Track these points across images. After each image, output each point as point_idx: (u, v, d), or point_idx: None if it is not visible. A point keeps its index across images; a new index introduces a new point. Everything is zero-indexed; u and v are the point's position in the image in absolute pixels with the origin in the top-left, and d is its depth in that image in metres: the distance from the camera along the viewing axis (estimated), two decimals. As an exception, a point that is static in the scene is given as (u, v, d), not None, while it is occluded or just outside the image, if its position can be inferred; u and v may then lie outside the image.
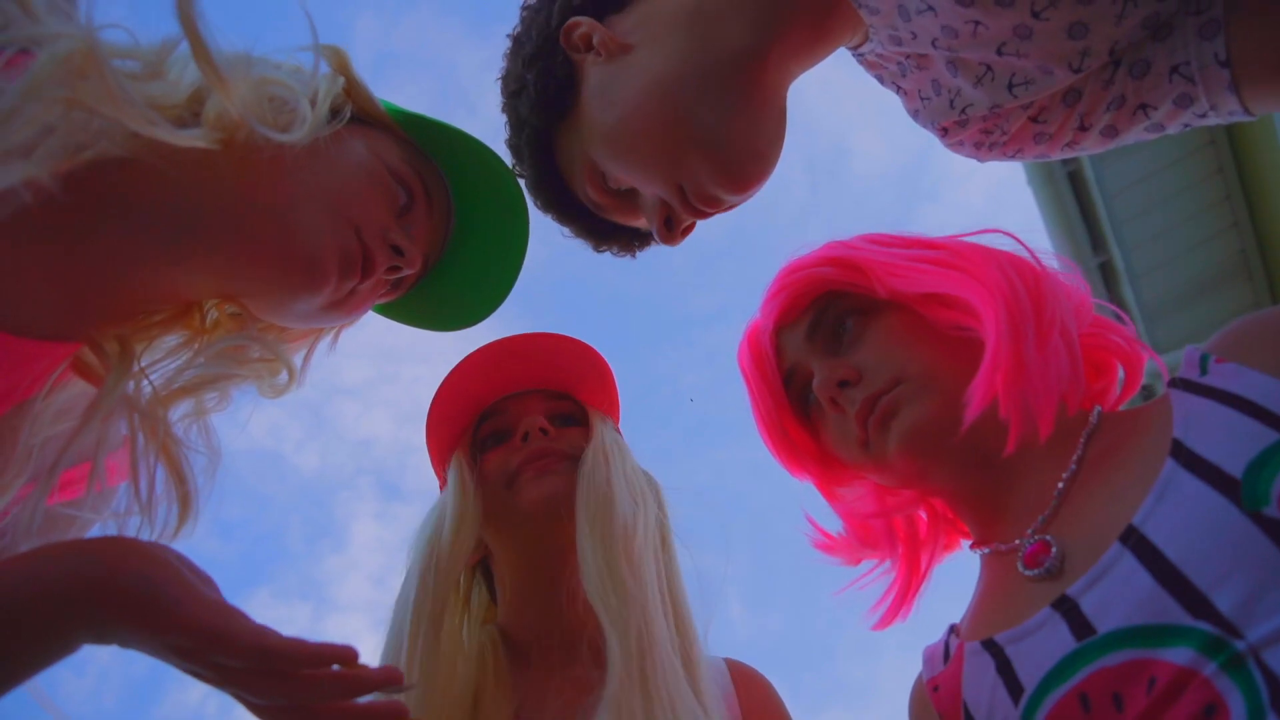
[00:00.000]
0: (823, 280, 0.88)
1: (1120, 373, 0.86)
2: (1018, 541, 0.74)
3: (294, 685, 0.59)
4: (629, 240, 0.99)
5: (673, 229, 0.89)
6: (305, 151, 0.73)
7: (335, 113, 0.78)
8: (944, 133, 0.87)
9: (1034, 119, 0.81)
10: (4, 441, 0.69)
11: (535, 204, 0.97)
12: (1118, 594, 0.61)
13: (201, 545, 0.78)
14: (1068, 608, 0.64)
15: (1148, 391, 1.62)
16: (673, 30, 0.81)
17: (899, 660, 0.85)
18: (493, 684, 0.92)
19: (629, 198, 0.90)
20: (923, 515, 0.93)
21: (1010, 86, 0.77)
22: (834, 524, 0.95)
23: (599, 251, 1.00)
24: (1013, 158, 0.87)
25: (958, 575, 0.85)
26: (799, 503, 0.97)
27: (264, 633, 0.58)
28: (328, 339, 0.93)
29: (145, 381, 0.76)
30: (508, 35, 0.94)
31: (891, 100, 0.92)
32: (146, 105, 0.66)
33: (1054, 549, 0.69)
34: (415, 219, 0.85)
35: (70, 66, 0.62)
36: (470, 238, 0.93)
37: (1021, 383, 0.73)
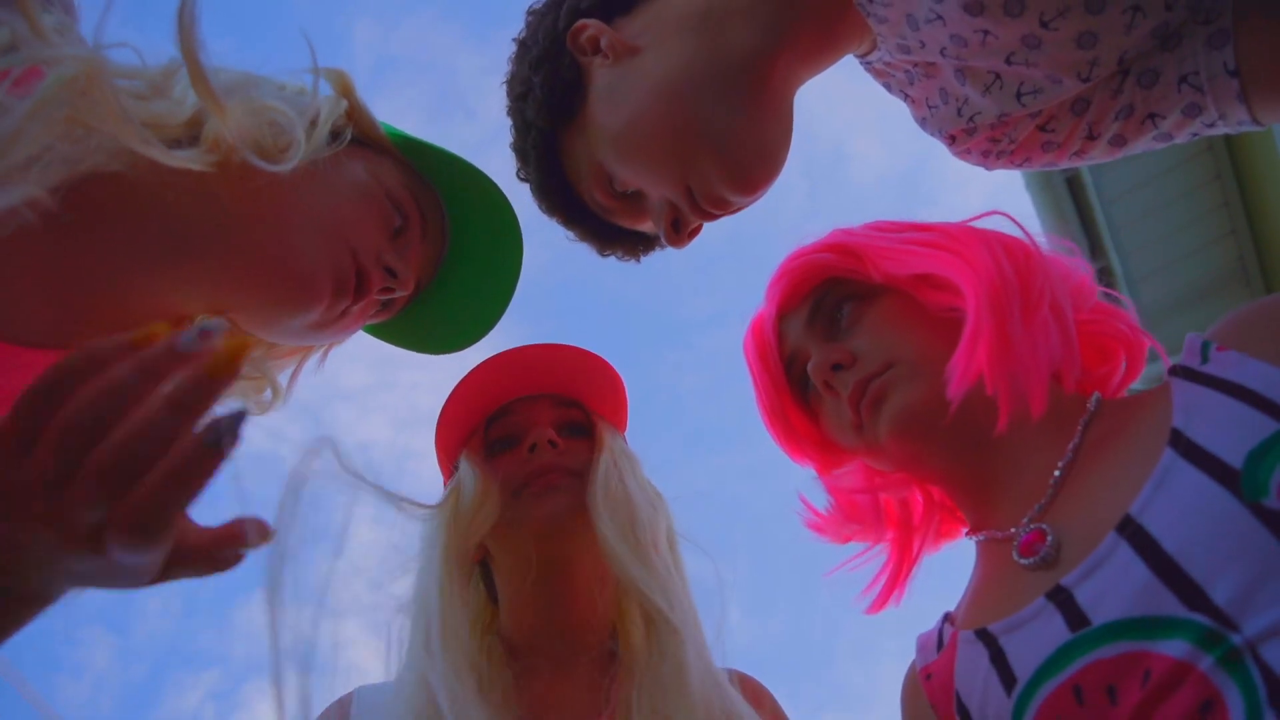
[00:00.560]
0: (822, 266, 0.88)
1: (1123, 360, 0.85)
2: (1013, 530, 0.74)
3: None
4: (634, 244, 0.99)
5: (680, 231, 0.90)
6: (304, 172, 0.74)
7: (336, 135, 0.79)
8: (951, 141, 0.88)
9: (1042, 127, 0.81)
10: None
11: (540, 207, 0.97)
12: (1113, 585, 0.61)
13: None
14: (1062, 598, 0.64)
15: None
16: (681, 33, 0.81)
17: (897, 666, 0.85)
18: (495, 692, 0.92)
19: (635, 201, 0.90)
20: (918, 499, 0.93)
21: (1019, 95, 0.78)
22: (825, 503, 0.96)
23: (604, 255, 1.00)
24: (1020, 166, 0.87)
25: (957, 572, 0.85)
26: (798, 507, 0.97)
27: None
28: (316, 357, 0.94)
29: None
30: (513, 39, 0.94)
31: (891, 106, 0.92)
32: (145, 124, 0.67)
33: (1049, 538, 0.69)
34: (410, 242, 0.86)
35: (75, 87, 0.63)
36: (463, 263, 0.94)
37: (1008, 357, 0.72)
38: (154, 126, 0.68)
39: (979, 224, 0.87)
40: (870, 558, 0.93)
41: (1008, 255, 0.79)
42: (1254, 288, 3.24)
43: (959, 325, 0.77)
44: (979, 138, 0.84)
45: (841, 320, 0.86)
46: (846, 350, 0.82)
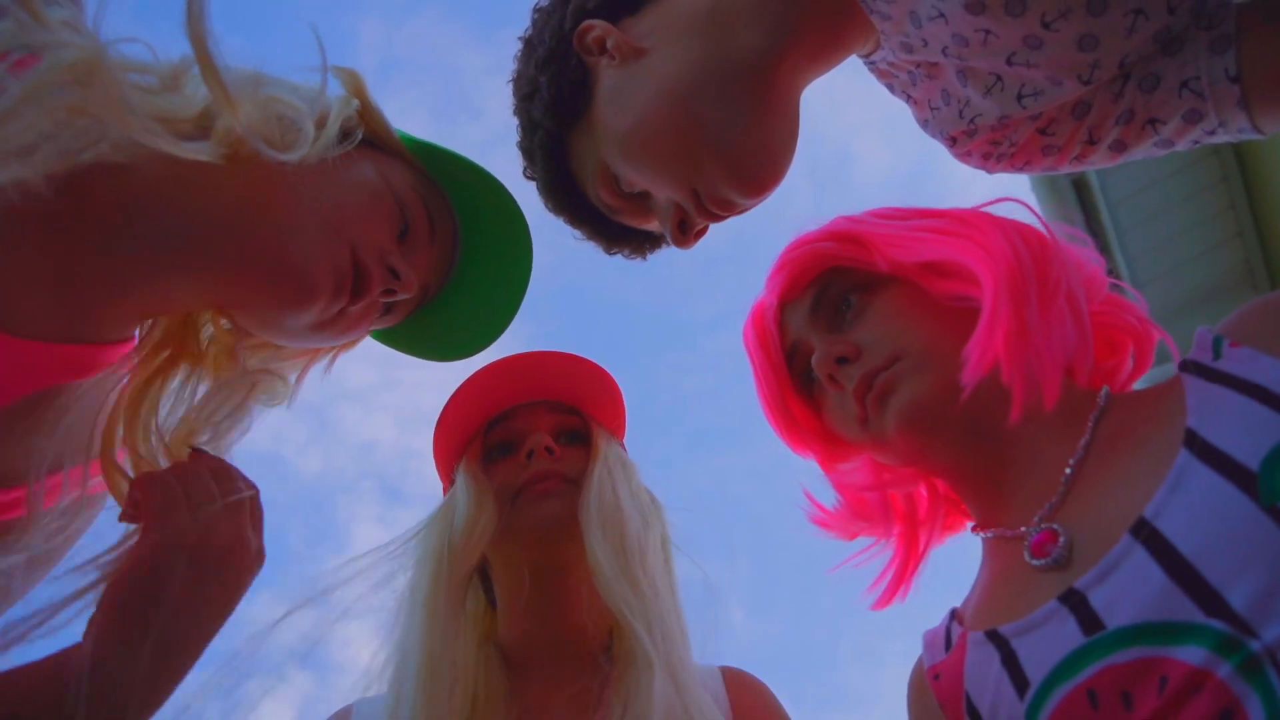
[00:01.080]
0: (825, 255, 0.86)
1: (1131, 353, 0.84)
2: (1024, 529, 0.72)
3: None
4: (640, 243, 0.99)
5: (686, 232, 0.90)
6: (312, 169, 0.75)
7: (347, 134, 0.79)
8: (952, 142, 0.88)
9: (1042, 130, 0.81)
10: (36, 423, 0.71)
11: (546, 206, 0.97)
12: (1128, 589, 0.59)
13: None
14: (1076, 601, 0.62)
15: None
16: (687, 34, 0.82)
17: (901, 668, 0.85)
18: (490, 698, 0.93)
19: (641, 201, 0.90)
20: (924, 493, 0.92)
21: (1019, 97, 0.77)
22: (831, 499, 0.94)
23: (610, 254, 1.00)
24: (1021, 169, 0.87)
25: (959, 570, 0.84)
26: (800, 508, 0.96)
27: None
28: (323, 363, 0.94)
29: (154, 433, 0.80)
30: (519, 38, 0.95)
31: (895, 108, 0.92)
32: (153, 117, 0.67)
33: (1062, 538, 0.67)
34: (416, 245, 0.85)
35: (74, 74, 0.63)
36: (473, 271, 0.94)
37: (1024, 345, 0.71)
38: (164, 120, 0.68)
39: (989, 210, 0.85)
40: (875, 554, 0.92)
41: (1024, 241, 0.77)
42: (1260, 290, 3.23)
43: (968, 315, 0.76)
44: (979, 140, 0.84)
45: (846, 311, 0.84)
46: (851, 343, 0.80)
